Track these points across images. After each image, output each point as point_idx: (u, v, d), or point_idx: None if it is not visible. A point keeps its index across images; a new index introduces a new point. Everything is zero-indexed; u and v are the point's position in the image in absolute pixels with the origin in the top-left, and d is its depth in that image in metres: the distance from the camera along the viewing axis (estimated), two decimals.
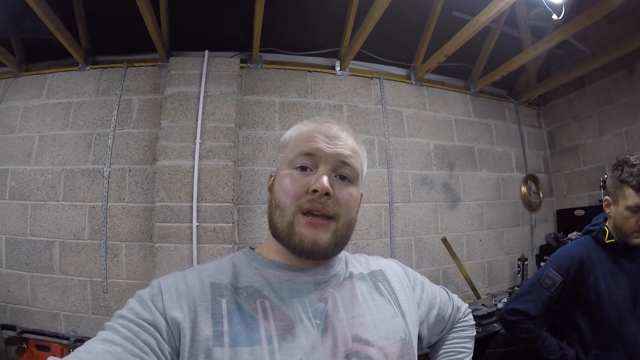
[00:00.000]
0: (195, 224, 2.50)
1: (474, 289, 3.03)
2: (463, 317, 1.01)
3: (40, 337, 2.45)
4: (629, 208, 1.49)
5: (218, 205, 2.57)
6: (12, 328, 2.44)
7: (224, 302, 0.67)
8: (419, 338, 0.89)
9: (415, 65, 3.30)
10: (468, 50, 3.15)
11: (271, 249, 0.77)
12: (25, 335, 2.43)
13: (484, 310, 2.69)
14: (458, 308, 1.00)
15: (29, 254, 2.66)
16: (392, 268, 0.90)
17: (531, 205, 3.68)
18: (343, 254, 0.85)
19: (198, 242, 2.50)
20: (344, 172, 0.74)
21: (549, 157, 3.98)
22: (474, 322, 1.03)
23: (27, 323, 2.57)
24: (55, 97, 2.87)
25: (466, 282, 3.01)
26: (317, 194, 0.69)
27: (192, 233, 2.50)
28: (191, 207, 2.52)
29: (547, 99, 3.94)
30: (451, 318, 0.97)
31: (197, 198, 2.53)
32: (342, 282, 0.77)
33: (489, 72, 3.40)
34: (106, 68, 2.90)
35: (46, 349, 2.40)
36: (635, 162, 1.50)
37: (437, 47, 3.02)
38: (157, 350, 0.59)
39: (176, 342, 0.61)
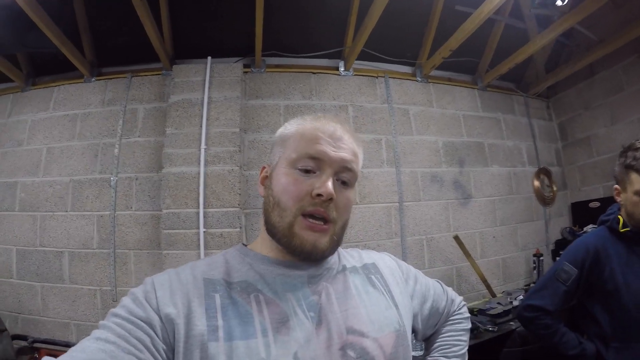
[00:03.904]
0: (202, 229, 2.49)
1: (488, 287, 2.96)
2: (458, 310, 1.01)
3: (51, 347, 2.46)
4: (637, 193, 1.46)
5: (225, 210, 2.55)
6: (23, 338, 2.46)
7: (217, 296, 0.67)
8: (414, 331, 0.90)
9: (420, 62, 3.25)
10: (474, 44, 3.11)
11: (265, 245, 0.77)
12: (36, 344, 2.45)
13: (499, 309, 2.63)
14: (452, 300, 1.01)
15: (39, 265, 2.69)
16: (384, 261, 0.91)
17: (545, 200, 3.59)
18: None
19: (205, 248, 2.48)
20: (345, 177, 0.75)
21: (561, 149, 3.88)
22: (468, 315, 1.04)
23: (39, 333, 2.58)
24: (61, 109, 2.90)
25: (480, 280, 2.94)
26: (321, 198, 0.70)
27: (199, 239, 2.48)
28: (198, 213, 2.51)
29: (556, 90, 3.85)
30: (445, 310, 0.98)
31: (204, 204, 2.52)
32: (336, 275, 0.78)
33: (495, 66, 3.34)
34: (111, 79, 2.93)
35: None
36: (639, 146, 1.47)
37: (442, 42, 2.97)
38: (152, 347, 0.59)
39: (171, 339, 0.61)
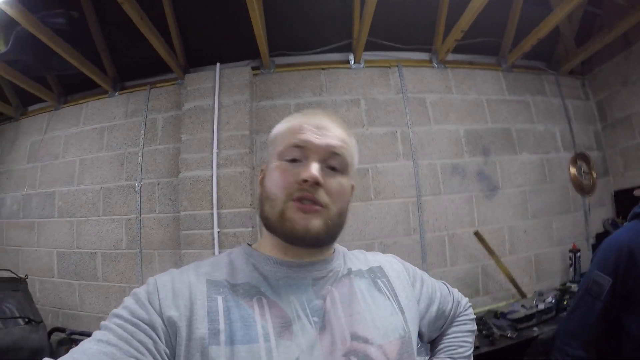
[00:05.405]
0: (216, 230, 2.61)
1: (517, 286, 2.75)
2: (463, 311, 0.99)
3: (86, 338, 2.71)
4: None
5: (237, 211, 2.64)
6: (62, 330, 2.74)
7: (220, 299, 0.66)
8: (420, 334, 0.87)
9: (435, 47, 3.07)
10: (493, 23, 2.89)
11: (267, 243, 0.77)
12: (73, 336, 2.71)
13: (520, 313, 2.42)
14: (458, 302, 0.98)
15: (76, 265, 3.00)
16: (391, 264, 0.88)
17: (583, 188, 3.21)
18: (341, 249, 0.85)
19: (220, 247, 2.60)
20: (333, 162, 0.74)
21: (600, 131, 3.44)
22: (474, 317, 1.01)
23: (77, 326, 2.88)
24: (90, 123, 3.19)
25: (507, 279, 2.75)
26: (307, 183, 0.69)
27: (214, 239, 2.60)
28: (212, 214, 2.63)
29: (591, 66, 3.42)
30: (452, 312, 0.96)
31: (217, 205, 2.63)
32: (341, 278, 0.77)
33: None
34: (132, 92, 3.14)
35: None
36: None
37: (456, 23, 2.77)
38: (154, 350, 0.59)
39: (173, 342, 0.61)
